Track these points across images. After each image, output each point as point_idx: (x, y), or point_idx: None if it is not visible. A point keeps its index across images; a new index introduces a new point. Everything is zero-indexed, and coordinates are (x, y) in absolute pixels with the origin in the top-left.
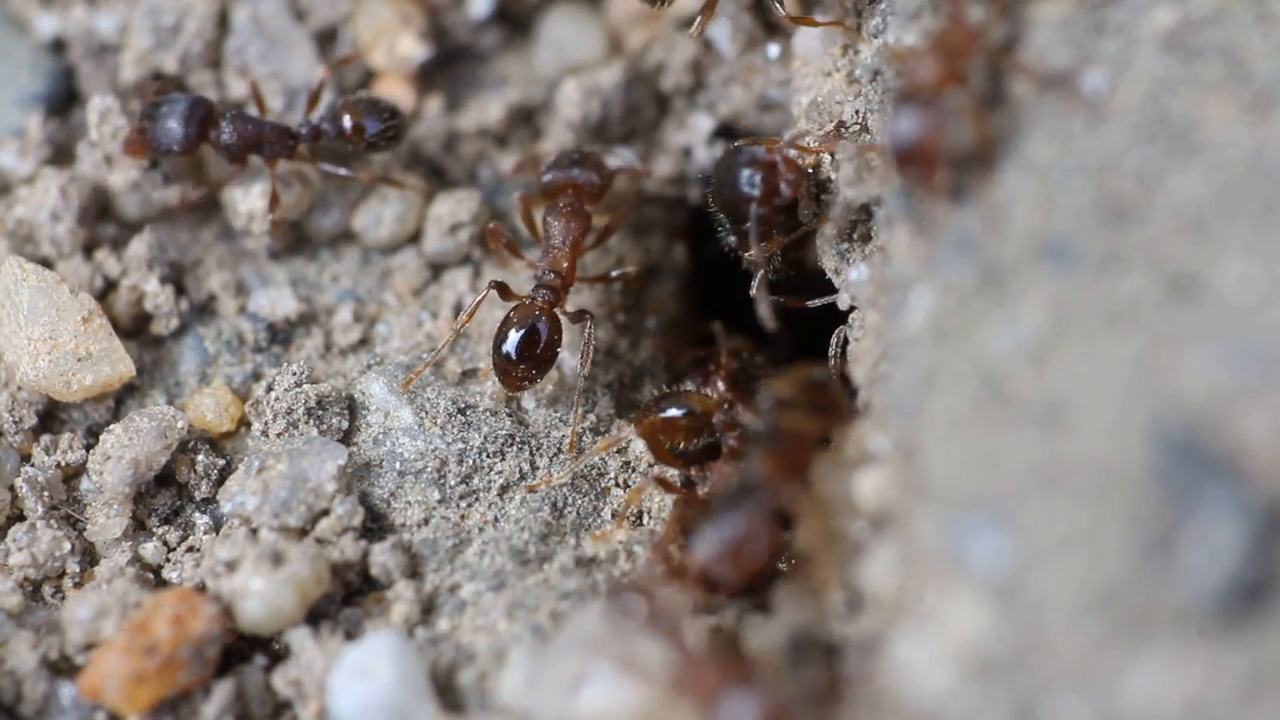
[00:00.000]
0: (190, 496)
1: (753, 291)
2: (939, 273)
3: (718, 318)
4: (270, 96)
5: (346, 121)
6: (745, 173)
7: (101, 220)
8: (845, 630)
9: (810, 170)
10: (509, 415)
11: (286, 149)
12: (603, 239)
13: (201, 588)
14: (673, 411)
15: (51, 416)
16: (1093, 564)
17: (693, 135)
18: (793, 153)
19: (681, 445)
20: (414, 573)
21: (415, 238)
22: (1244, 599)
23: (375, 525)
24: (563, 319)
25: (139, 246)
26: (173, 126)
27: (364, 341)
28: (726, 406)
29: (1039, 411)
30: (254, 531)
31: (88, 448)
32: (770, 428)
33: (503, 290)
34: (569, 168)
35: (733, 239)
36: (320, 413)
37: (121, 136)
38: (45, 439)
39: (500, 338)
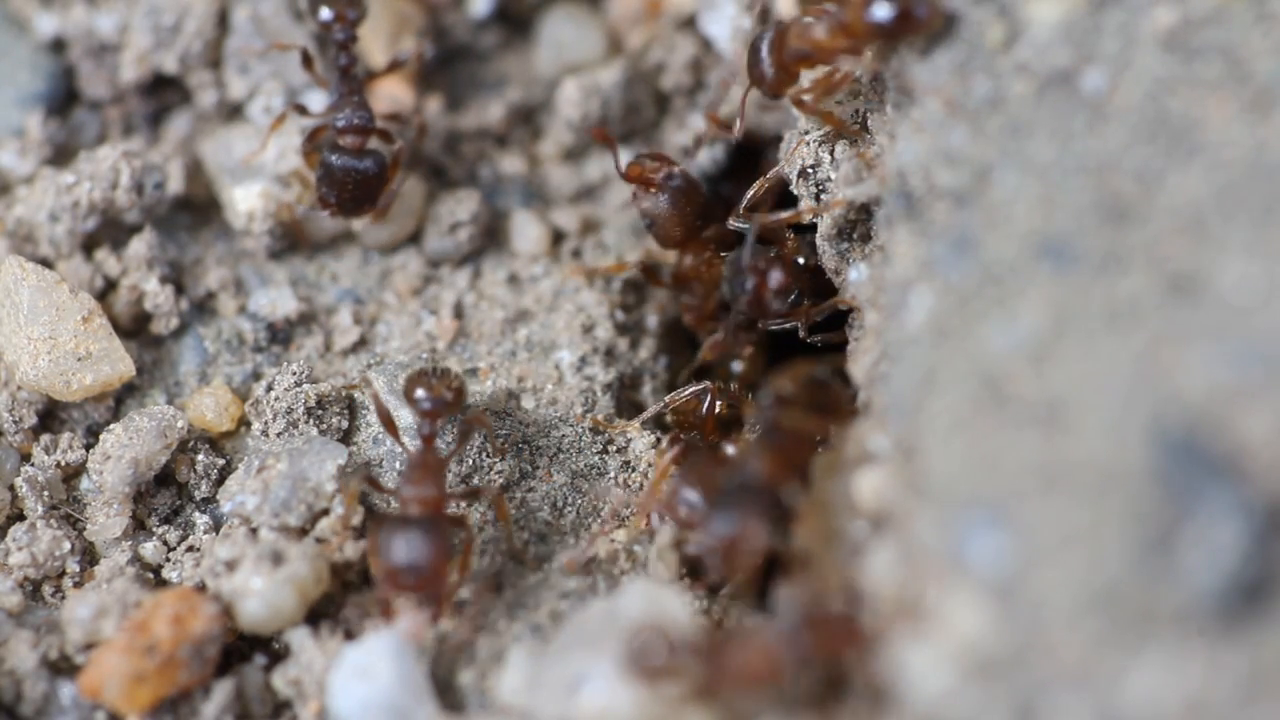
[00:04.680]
0: (190, 496)
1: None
2: (939, 273)
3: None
4: (270, 96)
5: (325, 14)
6: (739, 276)
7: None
8: None
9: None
10: (509, 415)
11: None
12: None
13: (201, 587)
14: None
15: (51, 416)
16: (1093, 564)
17: (693, 135)
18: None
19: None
20: None
21: (415, 237)
22: (1244, 599)
23: None
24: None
25: (139, 246)
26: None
27: (364, 341)
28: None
29: (1039, 411)
30: (254, 531)
31: (88, 447)
32: (769, 425)
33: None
34: None
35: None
36: (320, 412)
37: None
38: (45, 438)
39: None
